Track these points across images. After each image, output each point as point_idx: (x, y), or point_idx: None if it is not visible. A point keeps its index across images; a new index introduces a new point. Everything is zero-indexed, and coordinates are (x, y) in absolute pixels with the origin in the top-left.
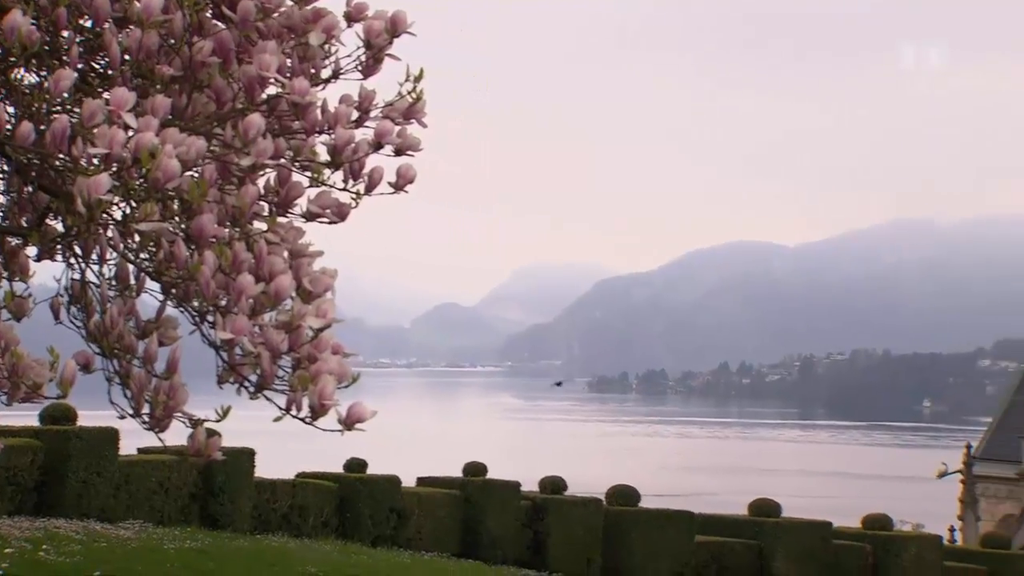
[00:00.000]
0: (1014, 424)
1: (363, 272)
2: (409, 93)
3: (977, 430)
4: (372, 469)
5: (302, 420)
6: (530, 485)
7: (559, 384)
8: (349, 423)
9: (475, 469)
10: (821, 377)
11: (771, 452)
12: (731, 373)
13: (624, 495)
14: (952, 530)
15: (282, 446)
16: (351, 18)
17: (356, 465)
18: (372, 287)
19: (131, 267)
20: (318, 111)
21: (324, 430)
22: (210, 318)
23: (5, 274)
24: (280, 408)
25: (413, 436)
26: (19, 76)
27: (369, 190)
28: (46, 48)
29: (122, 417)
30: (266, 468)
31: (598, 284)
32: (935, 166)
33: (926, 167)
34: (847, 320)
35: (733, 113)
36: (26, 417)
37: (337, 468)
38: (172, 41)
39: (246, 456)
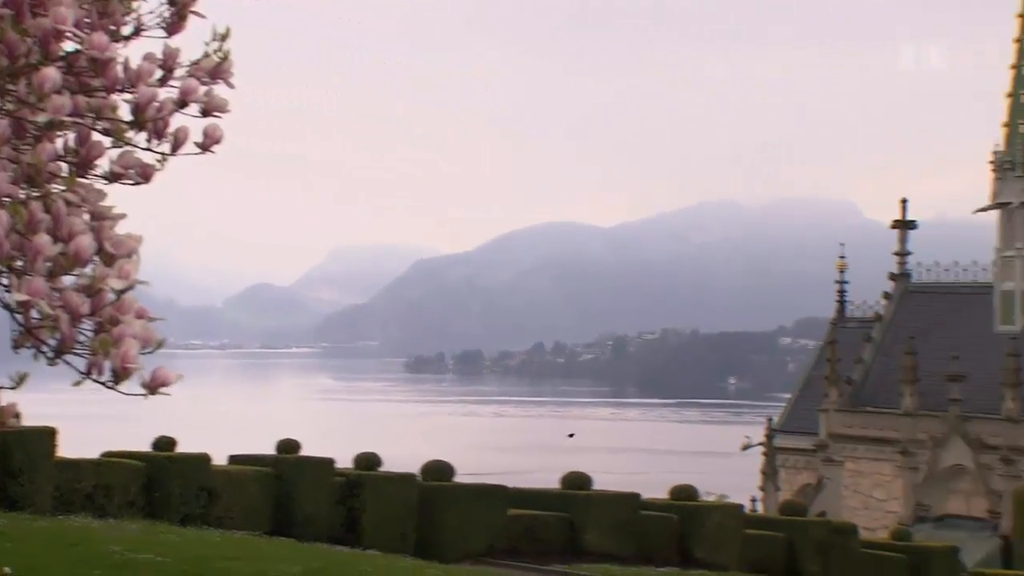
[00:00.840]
0: (812, 398)
1: (173, 251)
2: (215, 52)
3: (779, 406)
4: (181, 449)
5: (103, 384)
6: (345, 463)
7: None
8: (153, 387)
9: (288, 447)
10: (633, 356)
11: (584, 430)
12: (546, 352)
13: (438, 470)
14: (754, 500)
15: (89, 427)
16: None
17: (164, 443)
18: (183, 266)
19: None
20: (119, 68)
21: (126, 394)
22: (4, 280)
23: None
24: (80, 372)
25: (225, 416)
26: None
27: (175, 150)
28: None
29: None
30: (71, 448)
31: (416, 264)
32: (739, 149)
33: (731, 150)
34: (658, 300)
35: (549, 94)
36: None
37: (145, 448)
38: None
39: (46, 435)
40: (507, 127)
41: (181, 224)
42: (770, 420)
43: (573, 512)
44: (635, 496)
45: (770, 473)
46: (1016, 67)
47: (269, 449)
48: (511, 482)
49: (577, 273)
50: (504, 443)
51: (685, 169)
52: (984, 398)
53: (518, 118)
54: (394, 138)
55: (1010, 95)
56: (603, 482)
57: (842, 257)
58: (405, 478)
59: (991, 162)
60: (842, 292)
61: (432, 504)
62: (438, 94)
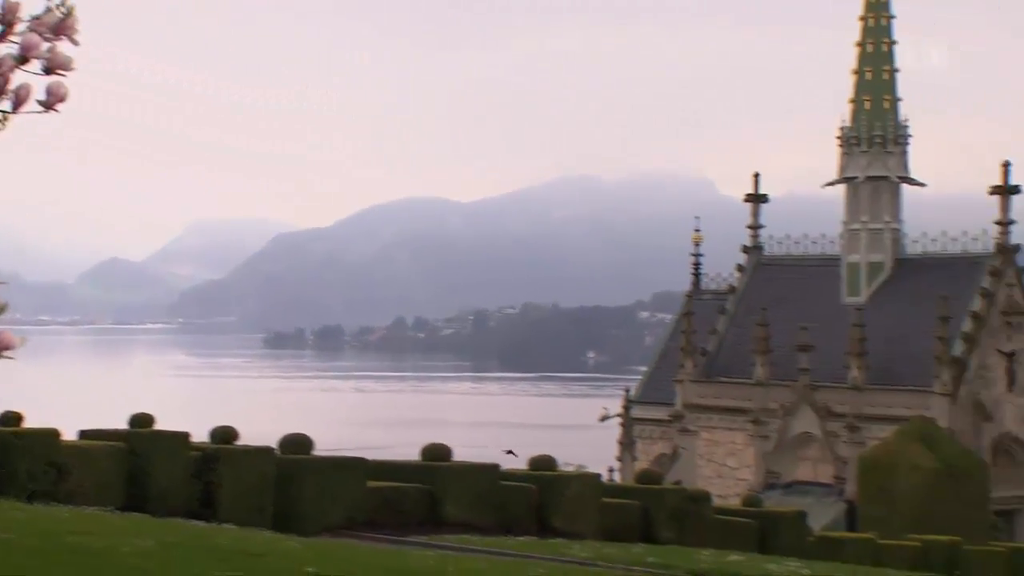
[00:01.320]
0: (668, 370)
1: (20, 223)
2: (59, 8)
3: (637, 378)
4: (28, 424)
5: None
6: (201, 438)
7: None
8: None
9: (141, 421)
10: (494, 330)
11: (445, 405)
12: (407, 328)
13: (296, 444)
14: (611, 470)
15: None
16: None
17: (11, 418)
18: (31, 239)
19: None
20: None
21: None
22: None
23: None
24: None
25: (76, 392)
26: None
27: (16, 108)
28: None
29: None
30: None
31: (275, 239)
32: (599, 125)
33: (591, 126)
34: (518, 275)
35: (409, 69)
36: None
37: None
38: None
39: None
40: (366, 102)
41: (29, 197)
42: (627, 392)
43: (433, 483)
44: (495, 467)
45: (627, 444)
46: (861, 44)
47: (121, 424)
48: (371, 456)
49: (438, 248)
50: (364, 418)
51: (545, 144)
52: (831, 367)
53: (377, 93)
54: (254, 111)
55: (855, 72)
56: (463, 456)
57: (697, 231)
58: (262, 451)
59: (838, 138)
60: (697, 265)
61: (290, 477)
62: (297, 66)
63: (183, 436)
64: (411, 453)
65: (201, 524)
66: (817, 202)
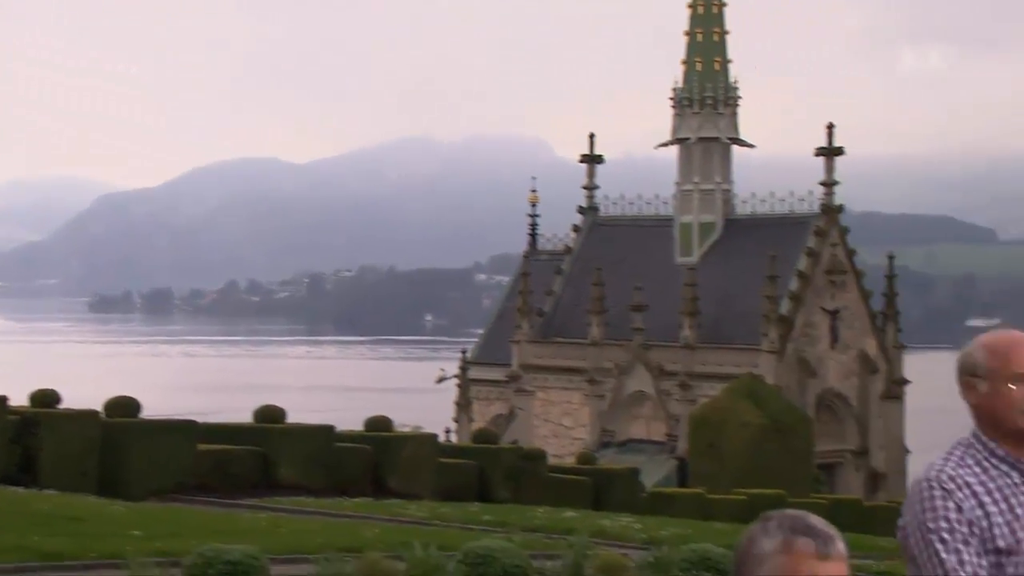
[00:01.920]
0: (505, 331)
1: None
2: None
3: (474, 341)
4: None
5: None
6: (20, 402)
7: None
8: None
9: None
10: (330, 293)
11: (279, 369)
12: (240, 291)
13: (122, 407)
14: (448, 431)
15: None
16: None
17: None
18: None
19: None
20: None
21: None
22: None
23: None
24: None
25: None
26: None
27: None
28: None
29: None
30: None
31: (99, 199)
32: (434, 85)
33: (425, 85)
34: (354, 237)
35: (236, 27)
36: None
37: None
38: None
39: None
40: (191, 62)
41: None
42: (464, 353)
43: (266, 446)
44: (329, 428)
45: (464, 404)
46: (692, 6)
47: None
48: (202, 421)
49: (271, 209)
50: (195, 383)
51: (379, 105)
52: (665, 327)
53: (203, 50)
54: (76, 67)
55: (687, 33)
56: (298, 419)
57: (533, 191)
58: (86, 415)
59: (671, 99)
60: (534, 226)
61: (115, 441)
62: (121, 23)
63: (0, 400)
64: (244, 418)
65: (20, 490)
66: (652, 163)
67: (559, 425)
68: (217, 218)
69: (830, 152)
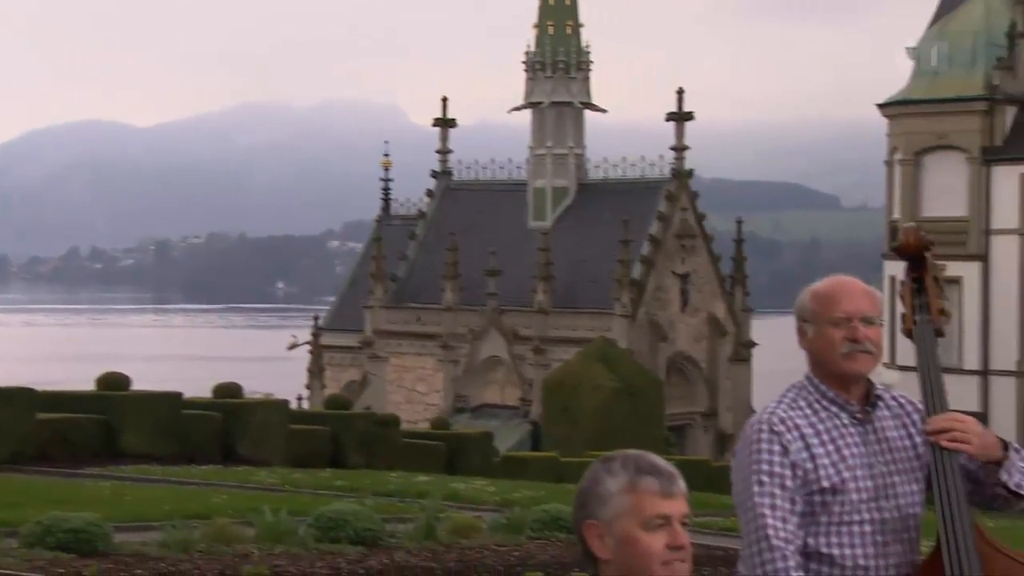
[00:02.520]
0: (359, 296)
1: None
2: None
3: (327, 308)
4: None
5: None
6: None
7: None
8: None
9: None
10: (177, 261)
11: (124, 338)
12: (82, 258)
13: None
14: (300, 399)
15: None
16: None
17: None
18: None
19: None
20: None
21: None
22: None
23: None
24: None
25: None
26: None
27: None
28: None
29: None
30: None
31: None
32: (285, 48)
33: (276, 48)
34: (202, 203)
35: None
36: None
37: None
38: None
39: None
40: (29, 16)
41: None
42: (316, 319)
43: (110, 414)
44: (177, 395)
45: (316, 372)
46: None
47: None
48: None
49: (115, 174)
50: (35, 353)
51: (228, 69)
52: (519, 292)
53: (33, 5)
54: None
55: None
56: (145, 388)
57: (386, 156)
58: None
59: (523, 63)
60: (387, 191)
61: None
62: None
63: None
64: (87, 387)
65: None
66: (509, 130)
67: (413, 391)
68: (57, 182)
69: (680, 117)
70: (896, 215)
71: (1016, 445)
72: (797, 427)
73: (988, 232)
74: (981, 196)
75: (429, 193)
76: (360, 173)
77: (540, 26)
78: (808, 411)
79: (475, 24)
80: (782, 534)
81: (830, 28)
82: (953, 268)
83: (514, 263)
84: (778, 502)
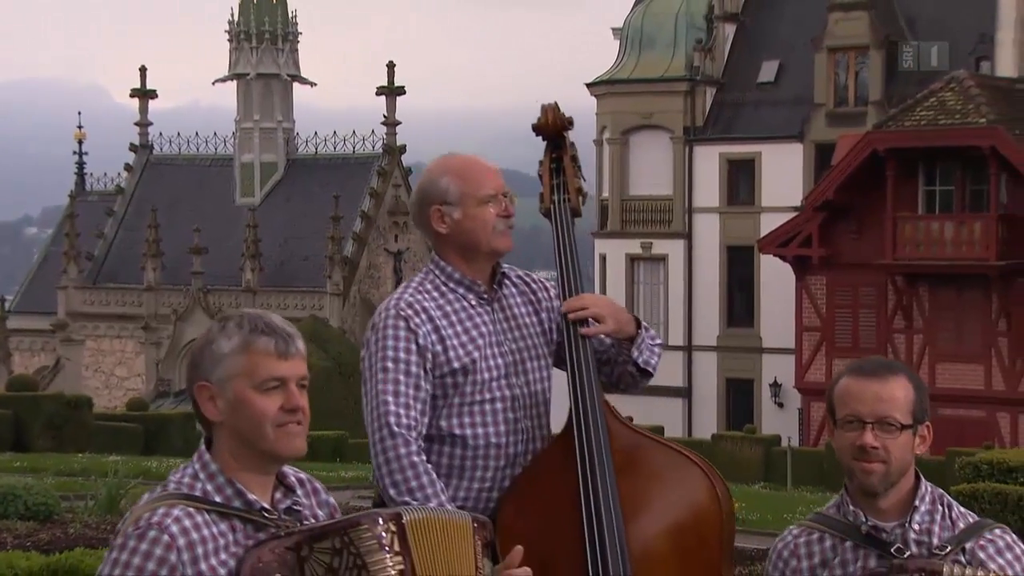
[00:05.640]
0: (50, 277)
1: None
2: None
3: (15, 289)
4: None
5: None
6: None
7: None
8: None
9: None
10: None
11: None
12: None
13: None
14: None
15: None
16: None
17: None
18: None
19: None
20: None
21: None
22: None
23: None
24: None
25: None
26: None
27: None
28: None
29: None
30: None
31: None
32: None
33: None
34: None
35: None
36: None
37: None
38: None
39: None
40: None
41: None
42: (2, 300)
43: None
44: None
45: (3, 357)
46: None
47: None
48: None
49: None
50: None
51: None
52: (226, 270)
53: None
54: None
55: None
56: None
57: (80, 127)
58: None
59: (227, 32)
60: (81, 164)
61: None
62: None
63: None
64: None
65: None
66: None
67: (112, 376)
68: None
69: (391, 91)
70: (605, 194)
71: (646, 324)
72: (425, 310)
73: (691, 211)
74: (684, 175)
75: (128, 168)
76: (61, 155)
77: None
78: (436, 294)
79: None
80: (404, 420)
81: (551, 13)
82: (659, 246)
83: (221, 241)
84: (401, 388)
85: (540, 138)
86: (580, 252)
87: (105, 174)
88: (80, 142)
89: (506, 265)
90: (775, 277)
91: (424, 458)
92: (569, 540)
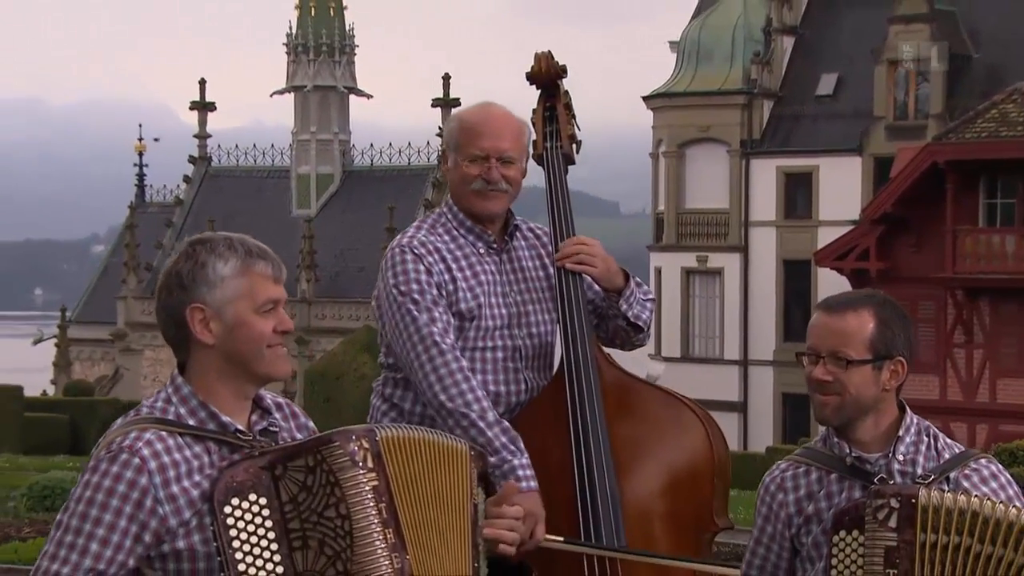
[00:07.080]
0: (110, 288)
1: None
2: None
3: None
4: None
5: None
6: None
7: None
8: None
9: None
10: None
11: None
12: None
13: None
14: (45, 393)
15: None
16: None
17: None
18: None
19: None
20: None
21: None
22: None
23: None
24: None
25: None
26: None
27: None
28: None
29: None
30: None
31: None
32: (47, 45)
33: (38, 45)
34: None
35: None
36: None
37: None
38: None
39: None
40: None
41: None
42: (64, 311)
43: None
44: None
45: (63, 365)
46: None
47: None
48: None
49: None
50: None
51: None
52: (285, 281)
53: None
54: None
55: None
56: None
57: (140, 140)
58: None
59: (285, 45)
60: (141, 176)
61: None
62: None
63: None
64: None
65: None
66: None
67: None
68: None
69: (447, 104)
70: (661, 207)
71: (639, 280)
72: (437, 250)
73: (747, 224)
74: (740, 189)
75: (186, 179)
76: (125, 174)
77: (301, 7)
78: (447, 237)
79: (235, 13)
80: (448, 340)
81: (606, 27)
82: (715, 259)
83: (277, 251)
84: (436, 315)
85: (534, 87)
86: (571, 202)
87: (164, 186)
88: (140, 154)
89: (519, 217)
90: (832, 291)
91: (472, 374)
92: (560, 485)
